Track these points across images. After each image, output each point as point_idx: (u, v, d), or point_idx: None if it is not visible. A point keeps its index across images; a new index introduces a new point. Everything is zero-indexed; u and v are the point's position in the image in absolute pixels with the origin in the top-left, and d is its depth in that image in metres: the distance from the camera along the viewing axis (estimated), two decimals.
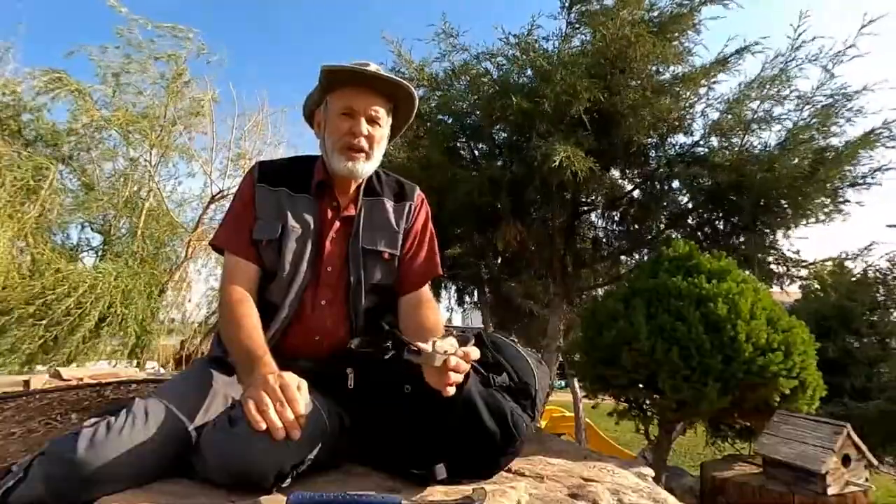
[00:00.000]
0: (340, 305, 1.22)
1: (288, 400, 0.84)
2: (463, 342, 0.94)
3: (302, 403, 0.85)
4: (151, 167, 6.96)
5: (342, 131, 1.19)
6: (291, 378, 0.88)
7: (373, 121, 1.21)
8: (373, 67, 1.20)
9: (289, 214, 1.20)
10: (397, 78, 1.23)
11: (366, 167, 1.22)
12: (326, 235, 1.22)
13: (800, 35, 3.09)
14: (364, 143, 1.19)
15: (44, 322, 5.33)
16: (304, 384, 0.89)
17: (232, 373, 1.08)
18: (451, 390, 0.90)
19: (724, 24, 3.31)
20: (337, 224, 1.24)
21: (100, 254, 6.92)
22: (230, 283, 1.15)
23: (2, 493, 0.91)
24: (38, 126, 6.16)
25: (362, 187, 1.27)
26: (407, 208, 1.31)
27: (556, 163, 2.71)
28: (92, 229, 6.97)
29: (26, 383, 3.48)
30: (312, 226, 1.21)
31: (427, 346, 0.89)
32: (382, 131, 1.25)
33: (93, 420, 0.92)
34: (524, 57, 3.29)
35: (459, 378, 0.91)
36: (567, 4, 3.32)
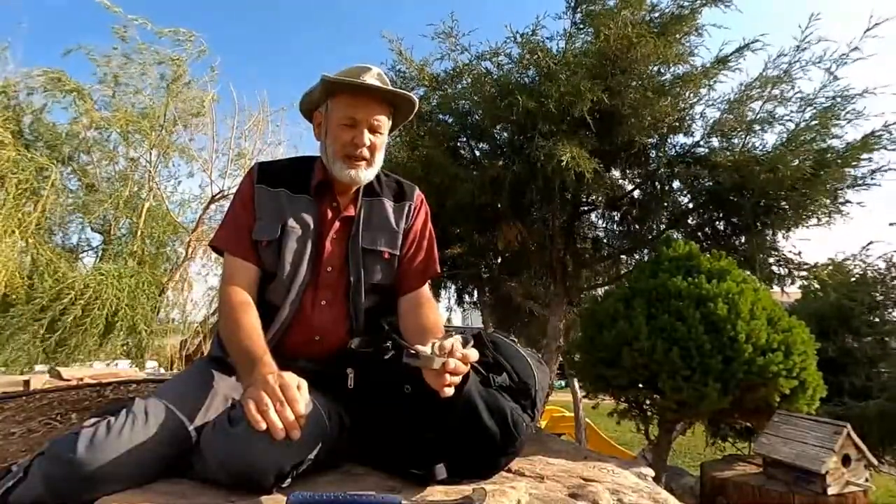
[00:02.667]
0: (340, 305, 1.22)
1: (288, 400, 0.84)
2: (462, 344, 0.94)
3: (302, 403, 0.85)
4: (151, 167, 6.97)
5: (344, 140, 1.19)
6: (291, 378, 0.88)
7: (374, 130, 1.21)
8: (374, 72, 1.20)
9: (288, 215, 1.20)
10: (399, 90, 1.23)
11: (367, 174, 1.22)
12: (326, 236, 1.22)
13: (806, 37, 3.09)
14: (366, 152, 1.20)
15: (47, 323, 5.34)
16: (304, 384, 0.89)
17: (232, 373, 1.08)
18: (449, 391, 0.90)
19: (724, 25, 3.31)
20: (337, 224, 1.24)
21: (100, 254, 6.93)
22: (230, 283, 1.15)
23: (2, 492, 0.91)
24: (38, 127, 6.17)
25: (362, 188, 1.28)
26: (407, 208, 1.31)
27: (564, 162, 2.71)
28: (92, 229, 6.98)
29: (26, 383, 3.48)
30: (312, 226, 1.21)
31: (426, 349, 0.89)
32: (383, 138, 1.25)
33: (93, 420, 0.92)
34: (529, 56, 3.28)
35: (457, 380, 0.91)
36: (573, 4, 3.32)
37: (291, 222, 1.19)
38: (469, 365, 0.93)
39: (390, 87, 1.21)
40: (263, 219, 1.20)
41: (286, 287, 1.17)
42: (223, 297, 1.14)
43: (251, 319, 1.07)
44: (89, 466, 0.84)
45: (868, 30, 2.97)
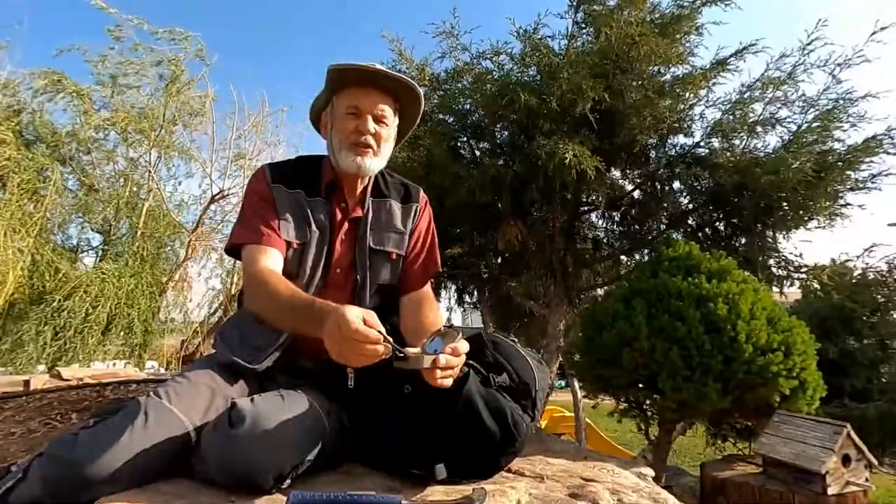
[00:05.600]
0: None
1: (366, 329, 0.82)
2: (451, 338, 0.92)
3: (378, 324, 0.83)
4: (151, 167, 6.97)
5: (349, 130, 1.18)
6: (354, 316, 0.82)
7: (379, 120, 1.21)
8: (377, 66, 1.20)
9: (311, 218, 1.20)
10: (401, 76, 1.23)
11: (373, 163, 1.21)
12: (337, 237, 1.22)
13: (811, 41, 3.09)
14: (371, 140, 1.19)
15: (48, 322, 5.34)
16: (371, 314, 0.85)
17: (233, 373, 1.08)
18: (446, 382, 0.89)
19: (725, 28, 3.32)
20: (346, 225, 1.24)
21: (100, 254, 6.93)
22: (257, 265, 1.10)
23: (1, 493, 0.91)
24: (37, 127, 6.17)
25: (369, 188, 1.27)
26: (413, 210, 1.32)
27: (567, 160, 2.71)
28: (92, 229, 6.98)
29: (26, 383, 3.47)
30: (328, 229, 1.21)
31: (416, 350, 0.89)
32: (389, 130, 1.25)
33: (93, 420, 0.92)
34: (531, 53, 3.29)
35: (449, 373, 0.90)
36: (575, 4, 3.32)
37: (314, 226, 1.19)
38: (462, 356, 0.92)
39: (393, 73, 1.20)
40: (289, 220, 1.18)
41: (302, 290, 1.16)
42: (253, 277, 1.09)
43: (289, 284, 1.05)
44: (89, 467, 0.83)
45: (874, 33, 2.98)
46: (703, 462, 2.48)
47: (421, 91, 1.26)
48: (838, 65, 3.09)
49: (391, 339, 0.84)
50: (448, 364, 0.88)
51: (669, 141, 3.58)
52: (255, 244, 1.14)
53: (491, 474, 1.03)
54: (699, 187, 3.45)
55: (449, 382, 0.90)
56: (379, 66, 1.20)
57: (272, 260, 1.12)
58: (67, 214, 6.53)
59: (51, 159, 5.86)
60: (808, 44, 3.11)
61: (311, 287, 1.17)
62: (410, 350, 0.89)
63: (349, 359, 0.83)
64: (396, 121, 1.28)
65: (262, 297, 1.07)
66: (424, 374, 0.90)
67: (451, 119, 3.70)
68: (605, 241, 4.24)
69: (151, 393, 0.96)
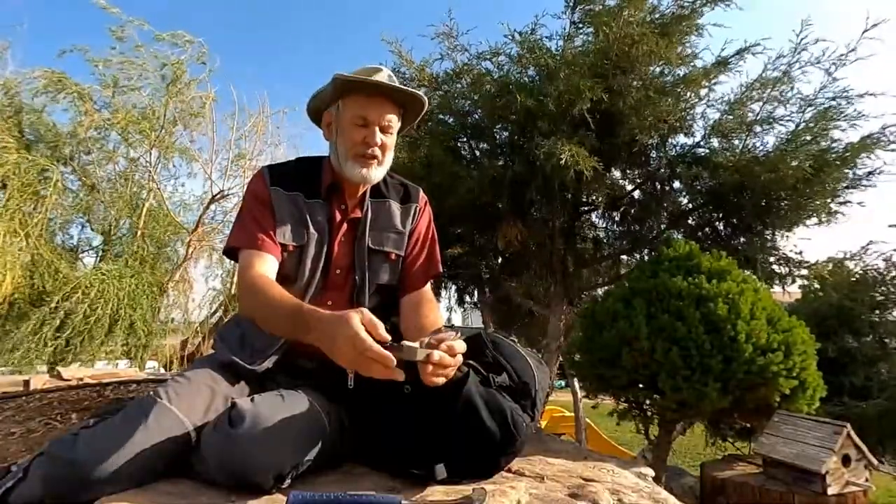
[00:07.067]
0: (345, 306, 1.21)
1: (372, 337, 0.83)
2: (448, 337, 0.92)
3: (381, 328, 0.84)
4: (151, 168, 6.96)
5: (356, 140, 1.19)
6: (365, 335, 0.83)
7: (385, 129, 1.21)
8: (385, 73, 1.21)
9: (309, 220, 1.20)
10: (412, 90, 1.24)
11: (377, 172, 1.22)
12: (336, 238, 1.23)
13: (802, 40, 3.10)
14: (378, 152, 1.20)
15: (50, 323, 5.35)
16: (370, 319, 0.85)
17: (233, 373, 1.08)
18: (438, 381, 0.89)
19: (729, 30, 3.32)
20: (345, 227, 1.25)
21: (100, 254, 6.94)
22: (251, 269, 1.10)
23: (1, 493, 0.91)
24: (38, 127, 6.17)
25: (369, 189, 1.28)
26: (412, 210, 1.32)
27: (563, 161, 2.70)
28: (92, 229, 6.98)
29: (26, 383, 3.47)
30: (326, 231, 1.21)
31: (413, 343, 0.88)
32: (393, 138, 1.26)
33: (93, 420, 0.92)
34: (528, 55, 3.29)
35: (443, 372, 0.89)
36: (572, 4, 3.32)
37: (312, 228, 1.20)
38: (458, 356, 0.91)
39: (403, 87, 1.21)
40: (286, 222, 1.18)
41: (302, 292, 1.17)
42: (248, 281, 1.09)
43: (280, 289, 1.05)
44: (89, 467, 0.84)
45: (866, 31, 2.98)
46: (703, 462, 2.48)
47: (426, 99, 1.27)
48: (833, 63, 3.09)
49: (390, 338, 0.84)
50: (442, 361, 0.87)
51: (670, 140, 3.58)
52: (250, 248, 1.15)
53: (491, 474, 1.03)
54: (699, 187, 3.45)
55: (441, 381, 0.89)
56: (385, 72, 1.20)
57: (267, 265, 1.13)
58: (68, 215, 6.53)
59: (51, 160, 5.86)
60: (799, 43, 3.11)
61: (310, 288, 1.18)
62: (408, 343, 0.89)
63: (362, 371, 0.84)
64: (400, 124, 1.28)
65: (253, 302, 1.08)
66: (419, 370, 0.90)
67: (451, 119, 3.70)
68: (605, 240, 4.24)
69: (151, 393, 0.97)
